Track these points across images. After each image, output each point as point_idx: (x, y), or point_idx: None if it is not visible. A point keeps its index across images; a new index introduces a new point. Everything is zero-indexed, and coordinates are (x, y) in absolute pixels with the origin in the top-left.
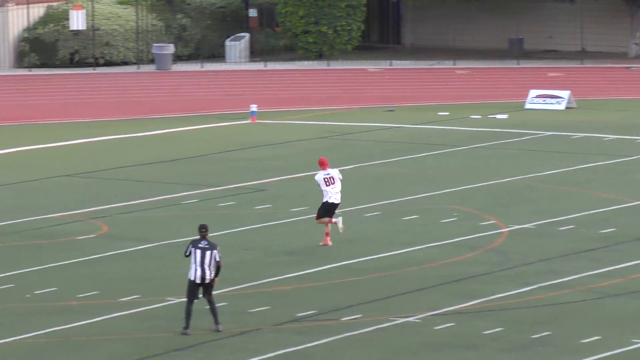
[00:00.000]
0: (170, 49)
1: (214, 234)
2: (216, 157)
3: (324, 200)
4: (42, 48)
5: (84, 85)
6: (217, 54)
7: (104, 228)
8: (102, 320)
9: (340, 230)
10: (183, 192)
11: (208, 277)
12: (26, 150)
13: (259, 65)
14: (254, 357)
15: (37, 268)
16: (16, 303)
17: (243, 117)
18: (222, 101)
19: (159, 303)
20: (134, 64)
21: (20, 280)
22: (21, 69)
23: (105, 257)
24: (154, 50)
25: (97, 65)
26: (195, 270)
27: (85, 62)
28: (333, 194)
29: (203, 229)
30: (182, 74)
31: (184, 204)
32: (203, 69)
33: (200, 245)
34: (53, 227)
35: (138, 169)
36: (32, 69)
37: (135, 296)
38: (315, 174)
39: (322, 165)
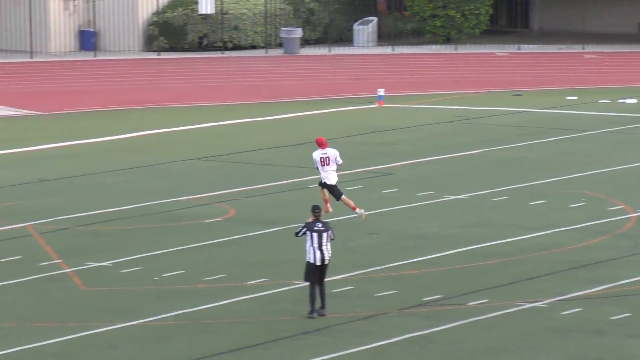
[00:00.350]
0: (298, 32)
1: (341, 218)
2: (343, 141)
3: (322, 180)
4: (170, 32)
5: (212, 69)
6: (345, 38)
7: (231, 211)
8: (228, 303)
9: (363, 217)
10: (310, 175)
11: (327, 258)
12: (155, 133)
13: (386, 49)
14: (379, 341)
15: (164, 251)
16: (144, 286)
17: (370, 101)
18: (349, 85)
19: (285, 286)
20: (262, 47)
21: (148, 262)
22: (150, 53)
23: (232, 240)
24: (282, 34)
25: (226, 49)
26: (314, 252)
27: (213, 46)
28: (328, 173)
29: (317, 210)
30: (309, 57)
31: (311, 187)
32: (330, 53)
33: (316, 228)
34: (181, 210)
35: (265, 152)
36: (161, 53)
37: (262, 279)
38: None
39: (321, 145)
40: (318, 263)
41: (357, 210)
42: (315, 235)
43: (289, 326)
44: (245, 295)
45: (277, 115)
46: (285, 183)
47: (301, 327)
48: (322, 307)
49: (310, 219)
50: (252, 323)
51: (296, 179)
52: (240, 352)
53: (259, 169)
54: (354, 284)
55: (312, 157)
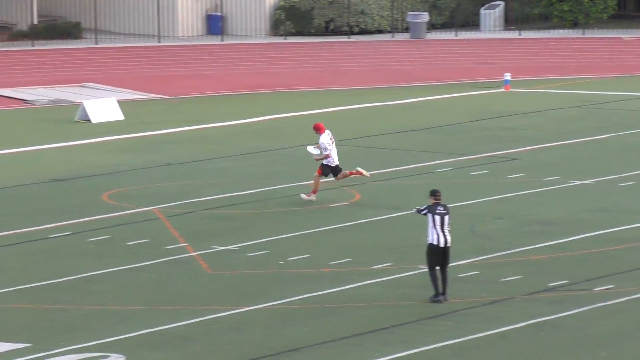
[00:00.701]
0: (424, 17)
1: (467, 202)
2: (469, 126)
3: (331, 163)
4: (297, 16)
5: (338, 53)
6: (472, 23)
7: (357, 196)
8: (354, 287)
9: (368, 175)
10: (436, 160)
11: (449, 241)
12: (280, 118)
13: (513, 34)
14: (505, 326)
15: (290, 234)
16: (270, 269)
17: (497, 85)
18: (476, 70)
19: (410, 271)
20: (389, 32)
21: (275, 246)
22: (276, 37)
23: (358, 225)
24: (408, 19)
25: (352, 33)
26: (438, 235)
27: (339, 31)
28: (335, 155)
29: (438, 194)
30: (436, 42)
31: (437, 172)
32: (457, 38)
33: (437, 211)
34: None
35: (391, 137)
36: (287, 37)
37: (388, 264)
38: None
39: (321, 130)
40: (442, 245)
41: (354, 171)
42: (437, 217)
43: (414, 311)
44: (371, 279)
45: (402, 99)
46: (410, 167)
47: (426, 311)
48: (443, 292)
49: (431, 202)
50: (377, 307)
51: (421, 163)
52: (365, 336)
53: (384, 154)
54: (479, 269)
55: (320, 143)
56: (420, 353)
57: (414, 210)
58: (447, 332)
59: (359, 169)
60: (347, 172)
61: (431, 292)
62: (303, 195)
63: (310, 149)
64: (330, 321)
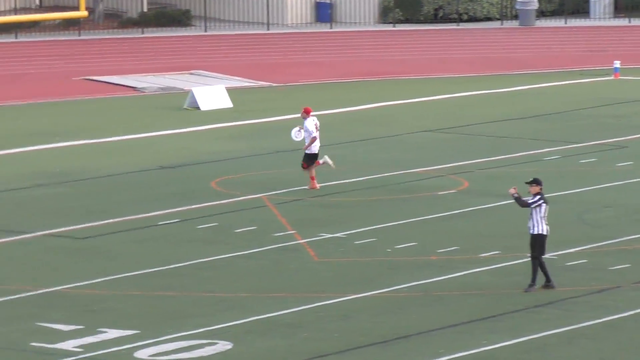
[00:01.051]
0: (534, 4)
1: (575, 190)
2: (578, 114)
3: (313, 150)
4: (406, 4)
5: (447, 40)
6: (581, 10)
7: (465, 183)
8: (462, 275)
9: (333, 166)
10: (544, 148)
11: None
12: (388, 105)
13: (623, 21)
14: (612, 315)
15: (398, 222)
16: (377, 257)
17: (606, 73)
18: (585, 57)
19: (518, 259)
20: (497, 19)
21: (382, 234)
22: (385, 25)
23: (466, 213)
24: (517, 6)
25: (461, 20)
26: (542, 224)
27: (448, 18)
28: (318, 140)
29: (541, 183)
30: (545, 29)
31: (545, 160)
32: (566, 25)
33: (545, 200)
34: (415, 182)
35: (500, 124)
36: (396, 25)
37: (495, 252)
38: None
39: (309, 113)
40: (546, 233)
41: (320, 161)
42: (546, 207)
43: (522, 299)
44: (478, 267)
45: (511, 87)
46: (519, 155)
47: (534, 300)
48: (548, 280)
49: (536, 191)
50: (485, 295)
51: (529, 151)
52: (473, 324)
53: (492, 141)
54: (588, 257)
55: (305, 127)
56: (527, 341)
57: (518, 198)
58: (554, 321)
59: (326, 157)
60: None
61: (542, 280)
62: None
63: (295, 133)
64: (437, 309)
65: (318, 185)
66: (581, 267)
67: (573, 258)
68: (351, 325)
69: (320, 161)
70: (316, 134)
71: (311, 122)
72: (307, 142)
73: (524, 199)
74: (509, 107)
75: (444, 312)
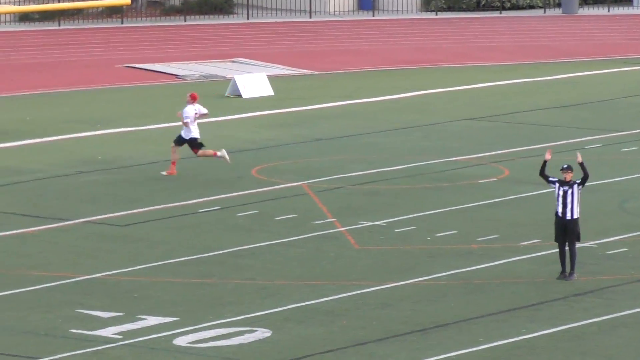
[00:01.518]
0: None
1: (617, 179)
2: (620, 102)
3: (186, 135)
4: None
5: (489, 29)
6: None
7: (506, 172)
8: (502, 263)
9: (228, 159)
10: (586, 136)
11: None
12: (430, 93)
13: None
14: None
15: (438, 210)
16: (417, 245)
17: None
18: (628, 45)
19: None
20: (540, 7)
21: (422, 222)
22: (428, 13)
23: (506, 201)
24: None
25: (503, 8)
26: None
27: (491, 6)
28: (196, 127)
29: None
30: (588, 17)
31: (587, 148)
32: (609, 13)
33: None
34: (455, 170)
35: (541, 112)
36: (438, 13)
37: (536, 240)
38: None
39: (195, 99)
40: (560, 215)
41: (219, 153)
42: (561, 190)
43: (562, 287)
44: (518, 256)
45: (553, 75)
46: (560, 144)
47: (574, 288)
48: (572, 272)
49: (570, 177)
50: (525, 284)
51: (571, 139)
52: (513, 313)
53: (533, 130)
54: (629, 245)
55: (183, 111)
56: (567, 330)
57: (544, 166)
58: (594, 309)
59: (224, 152)
60: (211, 152)
61: (580, 269)
62: (222, 152)
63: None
64: (477, 297)
65: (176, 172)
66: (621, 256)
67: (613, 247)
68: (390, 313)
69: (218, 154)
70: (188, 120)
71: (191, 109)
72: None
73: (550, 178)
74: (550, 95)
75: (484, 301)
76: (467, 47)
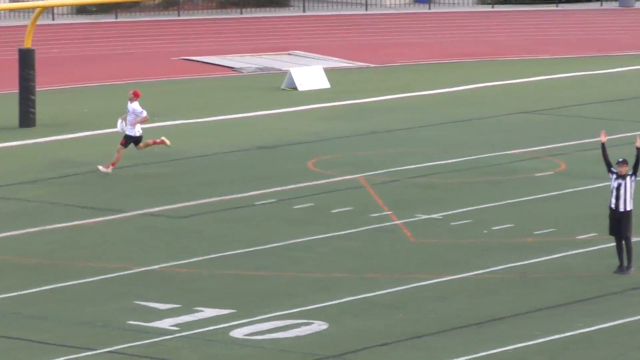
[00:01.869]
0: None
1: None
2: None
3: (135, 133)
4: None
5: (546, 21)
6: None
7: (562, 165)
8: (558, 257)
9: (168, 143)
10: (637, 130)
11: None
12: (485, 86)
13: None
14: None
15: (494, 204)
16: (473, 239)
17: None
18: None
19: (615, 242)
20: (597, 0)
21: (478, 216)
22: (484, 6)
23: (562, 195)
24: None
25: (559, 2)
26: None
27: None
28: (139, 127)
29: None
30: None
31: None
32: None
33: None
34: (511, 164)
35: (597, 106)
36: (495, 6)
37: (592, 234)
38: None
39: (137, 96)
40: (613, 208)
41: (164, 139)
42: (616, 183)
43: (619, 281)
44: (575, 249)
45: (610, 68)
46: (617, 137)
47: (631, 282)
48: (629, 266)
49: (625, 170)
50: (581, 278)
51: (626, 133)
52: (569, 307)
53: (591, 123)
54: None
55: (134, 109)
56: (623, 324)
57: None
58: None
59: (163, 138)
60: (150, 141)
61: (638, 262)
62: (100, 168)
63: (120, 124)
64: (533, 291)
65: (111, 170)
66: None
67: None
68: (447, 306)
69: (157, 140)
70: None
71: (138, 105)
72: (131, 121)
73: (611, 168)
74: (606, 88)
75: (540, 295)
76: (522, 40)
